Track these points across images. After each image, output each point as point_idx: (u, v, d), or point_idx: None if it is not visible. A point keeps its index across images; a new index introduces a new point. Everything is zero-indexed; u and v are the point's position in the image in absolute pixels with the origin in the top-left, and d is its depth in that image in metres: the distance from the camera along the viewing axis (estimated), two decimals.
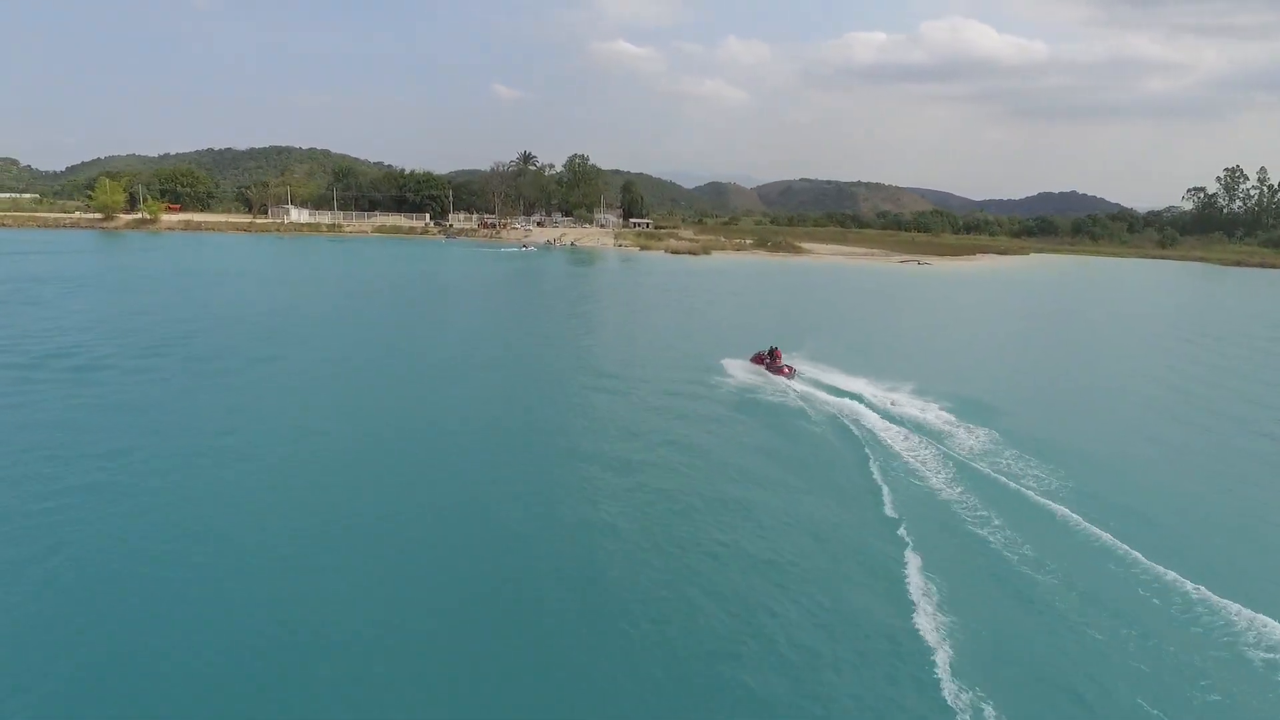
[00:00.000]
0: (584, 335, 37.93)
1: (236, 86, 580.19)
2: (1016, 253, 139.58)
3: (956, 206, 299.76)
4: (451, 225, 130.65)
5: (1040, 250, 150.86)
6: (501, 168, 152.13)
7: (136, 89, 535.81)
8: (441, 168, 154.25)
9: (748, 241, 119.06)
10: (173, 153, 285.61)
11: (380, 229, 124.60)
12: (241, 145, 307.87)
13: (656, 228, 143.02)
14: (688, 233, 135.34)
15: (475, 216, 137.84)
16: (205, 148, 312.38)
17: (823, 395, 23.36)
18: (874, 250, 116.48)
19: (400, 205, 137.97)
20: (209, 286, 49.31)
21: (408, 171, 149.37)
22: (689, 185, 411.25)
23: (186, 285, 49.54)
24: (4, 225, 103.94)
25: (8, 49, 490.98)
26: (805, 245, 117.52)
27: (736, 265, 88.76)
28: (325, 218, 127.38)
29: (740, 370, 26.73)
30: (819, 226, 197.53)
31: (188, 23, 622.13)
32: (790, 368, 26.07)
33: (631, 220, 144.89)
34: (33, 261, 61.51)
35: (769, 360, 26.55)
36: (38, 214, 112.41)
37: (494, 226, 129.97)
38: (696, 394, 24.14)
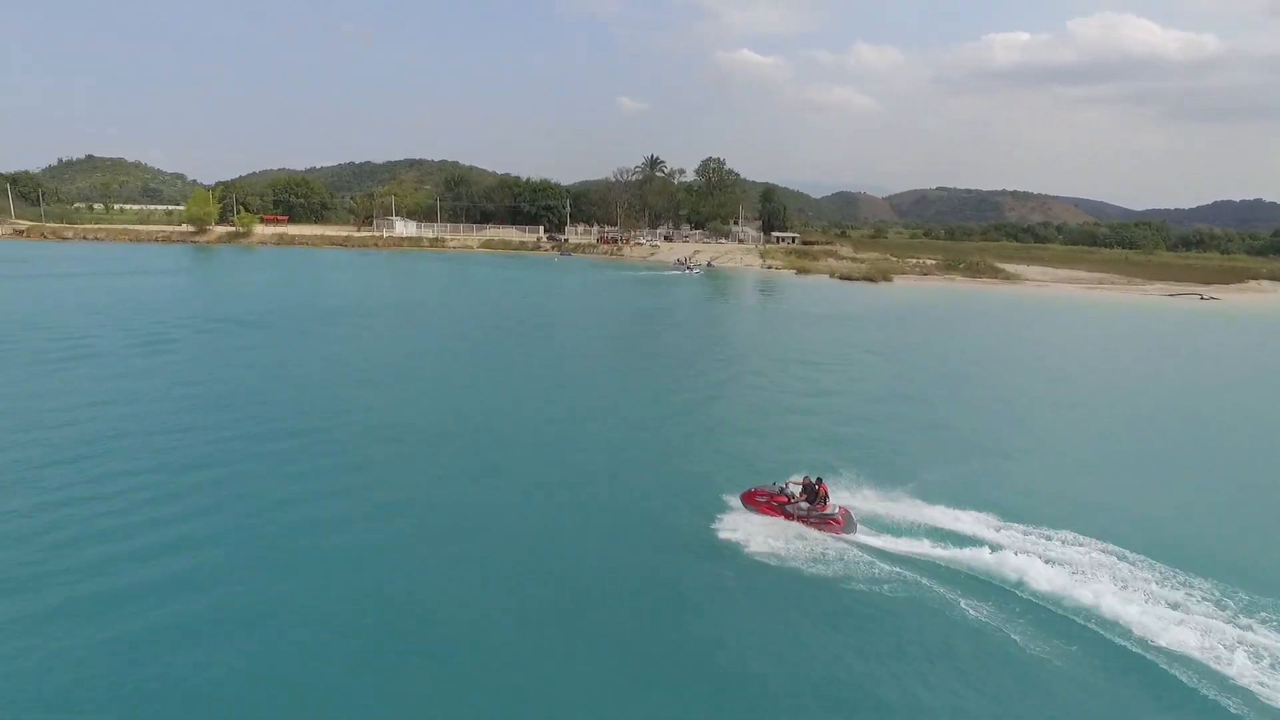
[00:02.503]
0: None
1: (378, 104, 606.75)
2: None
3: (1114, 216, 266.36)
4: (566, 240, 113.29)
5: None
6: (625, 175, 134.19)
7: (291, 108, 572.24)
8: (564, 181, 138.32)
9: (931, 262, 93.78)
10: (318, 166, 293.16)
11: (488, 244, 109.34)
12: (379, 159, 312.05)
13: (805, 243, 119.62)
14: (847, 250, 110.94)
15: (594, 230, 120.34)
16: (347, 161, 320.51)
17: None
18: (1110, 277, 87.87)
19: (514, 216, 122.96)
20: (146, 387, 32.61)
21: (524, 179, 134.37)
22: (816, 195, 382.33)
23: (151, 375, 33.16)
24: (97, 239, 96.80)
25: (187, 78, 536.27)
26: (1008, 268, 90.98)
27: (933, 299, 64.82)
28: (429, 231, 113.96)
29: (758, 530, 15.32)
30: (988, 241, 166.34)
31: (337, 46, 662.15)
32: (845, 513, 15.51)
33: (774, 234, 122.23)
34: (49, 285, 48.49)
35: (797, 503, 15.47)
36: (130, 227, 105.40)
37: (615, 241, 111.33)
38: None
